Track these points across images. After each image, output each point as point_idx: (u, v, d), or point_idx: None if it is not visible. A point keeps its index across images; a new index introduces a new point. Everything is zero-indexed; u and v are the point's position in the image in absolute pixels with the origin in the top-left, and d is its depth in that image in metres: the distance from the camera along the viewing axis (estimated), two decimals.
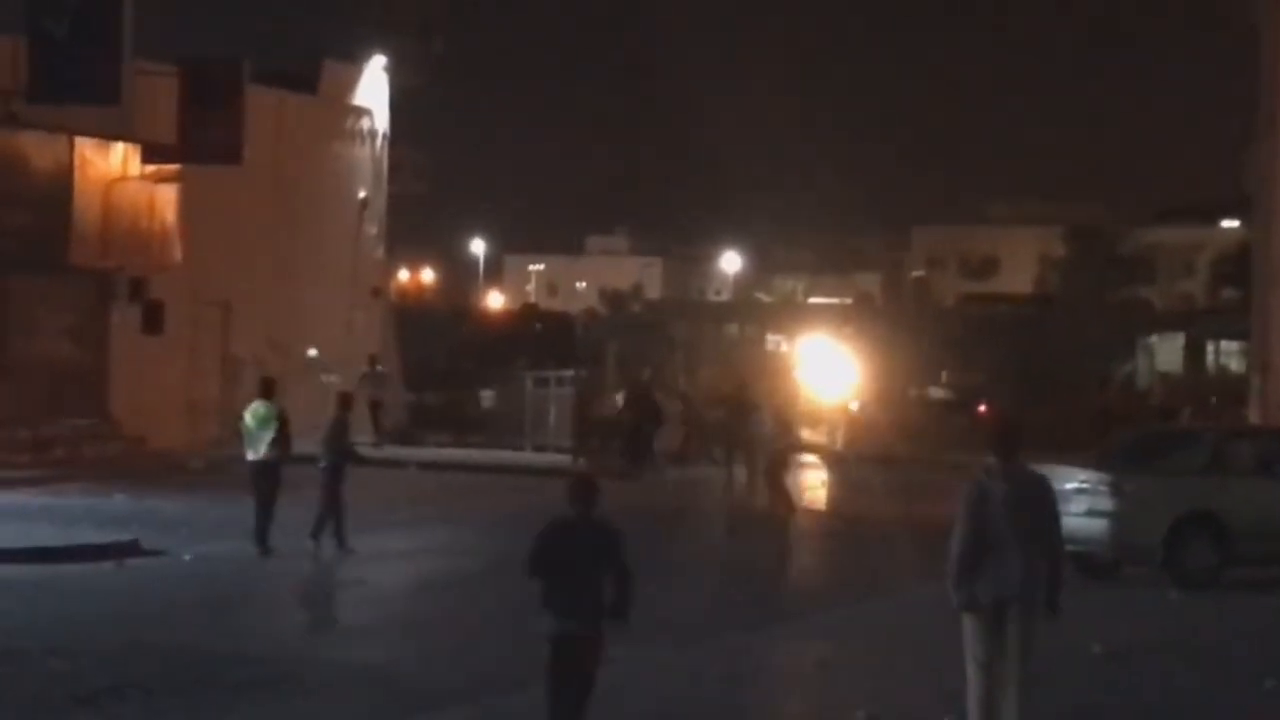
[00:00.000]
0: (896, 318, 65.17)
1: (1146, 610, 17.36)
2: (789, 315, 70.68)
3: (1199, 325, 59.91)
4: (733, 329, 71.03)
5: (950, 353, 50.96)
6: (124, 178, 31.35)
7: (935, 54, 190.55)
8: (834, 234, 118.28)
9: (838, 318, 62.87)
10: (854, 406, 42.97)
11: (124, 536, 19.78)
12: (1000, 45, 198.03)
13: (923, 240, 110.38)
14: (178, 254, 32.32)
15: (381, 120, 39.87)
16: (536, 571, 9.82)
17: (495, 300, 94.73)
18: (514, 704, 12.01)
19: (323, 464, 20.20)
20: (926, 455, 36.67)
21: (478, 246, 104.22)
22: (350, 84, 39.02)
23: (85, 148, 30.51)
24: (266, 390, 20.56)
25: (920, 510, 24.56)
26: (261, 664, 13.35)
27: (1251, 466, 19.75)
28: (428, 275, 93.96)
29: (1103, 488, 18.97)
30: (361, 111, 39.21)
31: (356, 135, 39.15)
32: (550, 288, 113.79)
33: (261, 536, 19.72)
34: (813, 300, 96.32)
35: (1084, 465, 19.62)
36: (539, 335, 48.32)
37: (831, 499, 31.69)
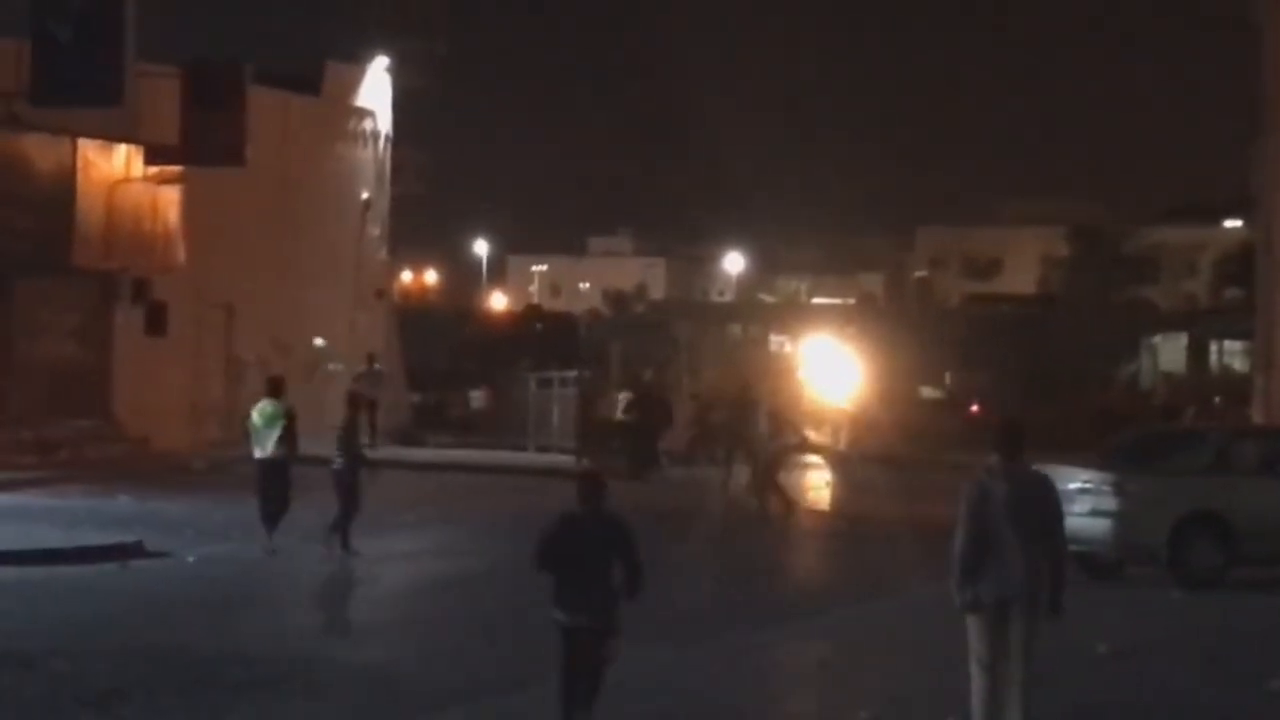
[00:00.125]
0: (900, 318, 65.15)
1: (1150, 610, 17.35)
2: (792, 316, 70.66)
3: (1202, 325, 59.86)
4: (736, 330, 71.03)
5: (953, 353, 50.91)
6: (127, 179, 31.38)
7: (938, 54, 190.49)
8: (837, 234, 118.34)
9: (841, 318, 62.86)
10: (847, 406, 42.94)
11: (127, 538, 19.79)
12: (1003, 45, 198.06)
13: (926, 240, 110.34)
14: (181, 255, 32.35)
15: (384, 121, 39.90)
16: (545, 565, 9.93)
17: (498, 301, 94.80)
18: (515, 705, 12.02)
19: (335, 465, 20.21)
20: (928, 455, 36.66)
21: (481, 247, 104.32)
22: (353, 85, 39.04)
23: (88, 149, 30.54)
24: (274, 389, 20.62)
25: (923, 510, 24.55)
26: (264, 664, 13.37)
27: (1255, 466, 19.73)
28: (431, 276, 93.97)
29: (1106, 487, 18.96)
30: (364, 113, 39.23)
31: (359, 136, 39.17)
32: (553, 288, 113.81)
33: (267, 524, 19.73)
34: (816, 301, 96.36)
35: (1087, 465, 19.61)
36: (542, 336, 48.36)
37: (834, 499, 31.69)
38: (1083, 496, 18.74)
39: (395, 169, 41.31)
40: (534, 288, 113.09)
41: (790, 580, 20.69)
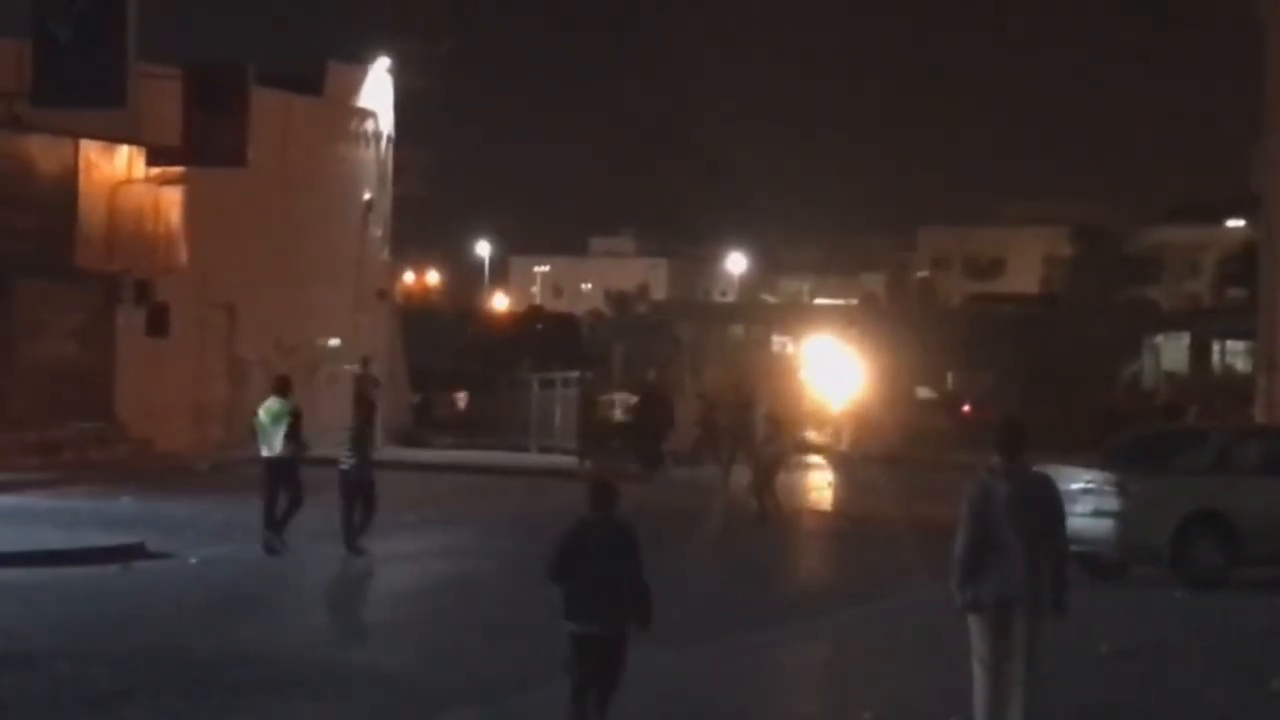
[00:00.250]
0: (902, 318, 65.15)
1: (1153, 610, 17.34)
2: (795, 316, 70.71)
3: (1204, 325, 59.88)
4: (738, 330, 71.08)
5: (956, 353, 50.94)
6: (129, 180, 31.39)
7: (940, 54, 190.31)
8: (838, 234, 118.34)
9: (843, 318, 62.89)
10: (849, 406, 42.93)
11: (130, 539, 19.79)
12: (1005, 44, 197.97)
13: (928, 240, 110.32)
14: (183, 256, 32.36)
15: (386, 122, 39.89)
16: (558, 574, 9.91)
17: (500, 302, 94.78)
18: (517, 706, 12.02)
19: (343, 466, 20.20)
20: (930, 455, 36.66)
21: (483, 248, 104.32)
22: (355, 86, 39.03)
23: (90, 151, 30.55)
24: (281, 387, 20.65)
25: (924, 510, 24.54)
26: (267, 665, 13.37)
27: (1258, 466, 19.72)
28: (433, 277, 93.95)
29: (1109, 488, 18.96)
30: (366, 113, 39.23)
31: (361, 137, 39.17)
32: (555, 289, 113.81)
33: (272, 521, 19.73)
34: (818, 301, 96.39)
35: (1090, 465, 19.60)
36: (544, 336, 48.35)
37: (837, 499, 31.68)
38: (1085, 497, 18.73)
39: (397, 170, 41.30)
40: (536, 288, 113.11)
41: (792, 581, 20.68)
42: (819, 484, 33.74)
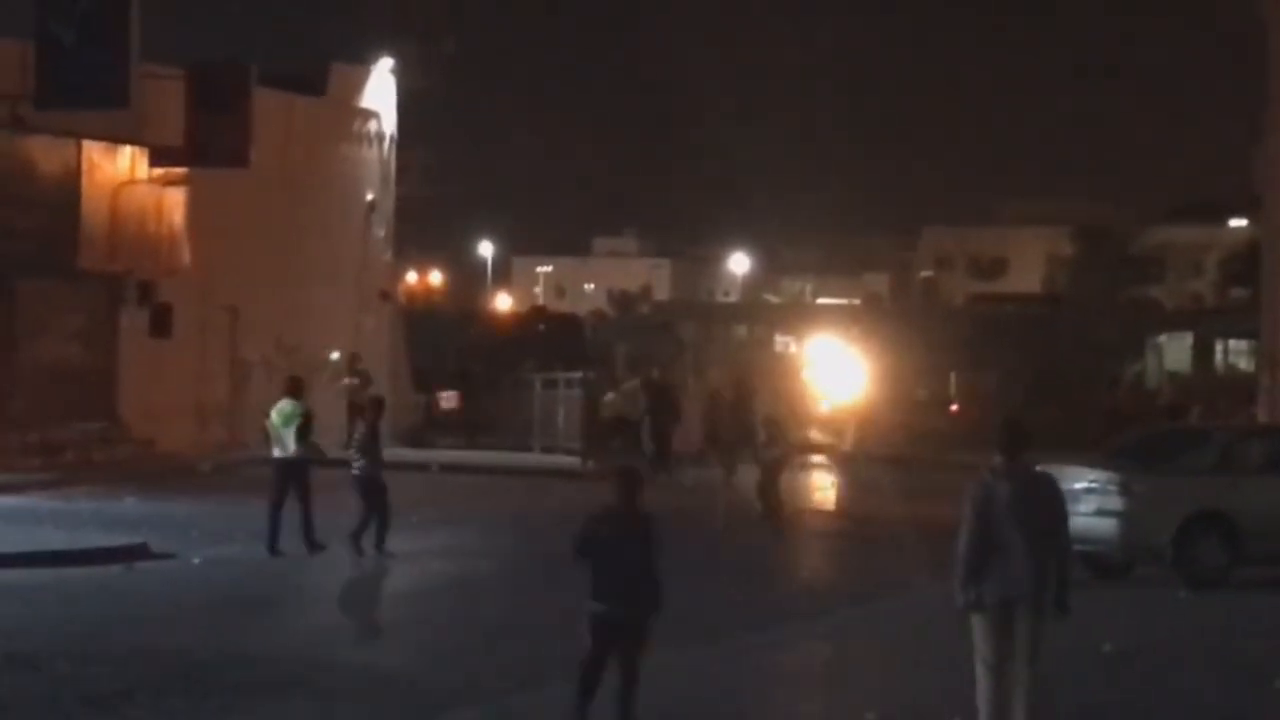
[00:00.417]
0: (905, 318, 65.12)
1: (1156, 610, 17.34)
2: (797, 316, 70.67)
3: (1208, 324, 59.84)
4: (741, 330, 71.04)
5: (959, 353, 50.88)
6: (132, 181, 31.38)
7: (941, 53, 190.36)
8: (839, 234, 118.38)
9: (846, 318, 62.85)
10: (851, 406, 42.89)
11: (133, 539, 19.79)
12: (1006, 44, 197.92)
13: (931, 240, 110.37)
14: (186, 257, 32.36)
15: (389, 122, 39.88)
16: (583, 555, 10.28)
17: (503, 302, 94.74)
18: (519, 706, 12.03)
19: (355, 470, 20.18)
20: (932, 455, 36.64)
21: (486, 248, 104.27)
22: (358, 86, 39.02)
23: (93, 152, 30.54)
24: (293, 389, 20.70)
25: (927, 510, 24.52)
26: (269, 666, 13.37)
27: (1261, 465, 19.71)
28: (436, 278, 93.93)
29: (1112, 487, 18.95)
30: (369, 114, 39.22)
31: (364, 138, 39.16)
32: (558, 290, 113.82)
33: (277, 524, 19.77)
34: (821, 301, 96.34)
35: (1093, 465, 19.60)
36: (547, 337, 48.30)
37: (839, 499, 31.67)
38: (1089, 496, 18.73)
39: (400, 170, 41.29)
40: (539, 289, 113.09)
41: (795, 581, 20.67)
42: (822, 484, 33.72)
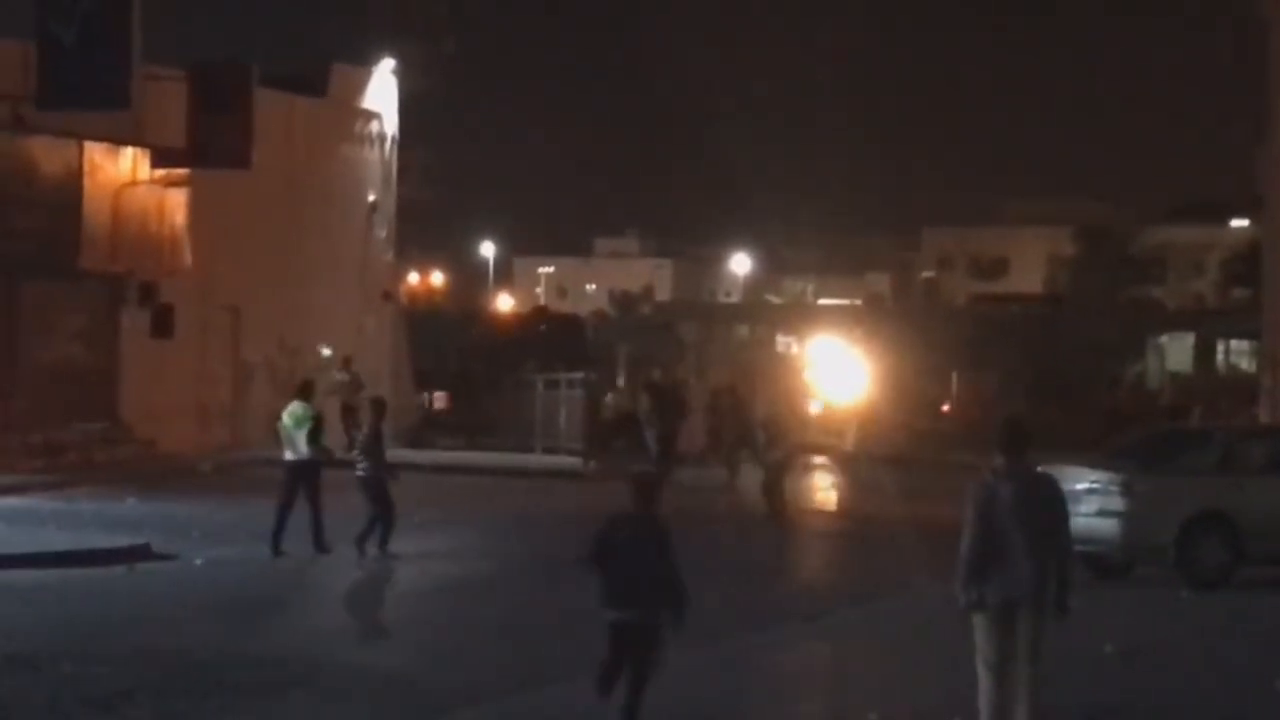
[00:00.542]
0: (907, 318, 65.11)
1: (1158, 610, 17.34)
2: (799, 317, 70.66)
3: (1209, 325, 59.85)
4: (743, 330, 71.04)
5: (960, 353, 50.86)
6: (133, 182, 31.40)
7: (943, 53, 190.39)
8: (843, 235, 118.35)
9: (848, 319, 62.84)
10: (853, 407, 42.86)
11: (135, 540, 19.80)
12: (1007, 44, 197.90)
13: (932, 241, 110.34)
14: (187, 258, 32.38)
15: (390, 123, 39.90)
16: (596, 564, 10.30)
17: (505, 303, 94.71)
18: (517, 705, 12.03)
19: (360, 472, 20.18)
20: (934, 455, 36.64)
21: (487, 249, 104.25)
22: (359, 87, 39.04)
23: (95, 152, 30.56)
24: (304, 391, 20.72)
25: (928, 510, 24.53)
26: (272, 667, 13.38)
27: (1263, 466, 19.71)
28: (437, 278, 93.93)
29: (1114, 488, 18.94)
30: (370, 114, 39.24)
31: (365, 138, 39.18)
32: (560, 290, 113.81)
33: (282, 527, 19.78)
34: (822, 301, 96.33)
35: (1095, 465, 19.60)
36: (549, 337, 48.29)
37: (841, 499, 31.66)
38: (1090, 496, 18.73)
39: (401, 171, 41.32)
40: (540, 289, 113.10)
41: (796, 581, 20.66)
42: (823, 485, 33.71)
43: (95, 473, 28.51)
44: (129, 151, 31.21)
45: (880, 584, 18.96)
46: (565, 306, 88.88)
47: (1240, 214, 76.19)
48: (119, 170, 31.22)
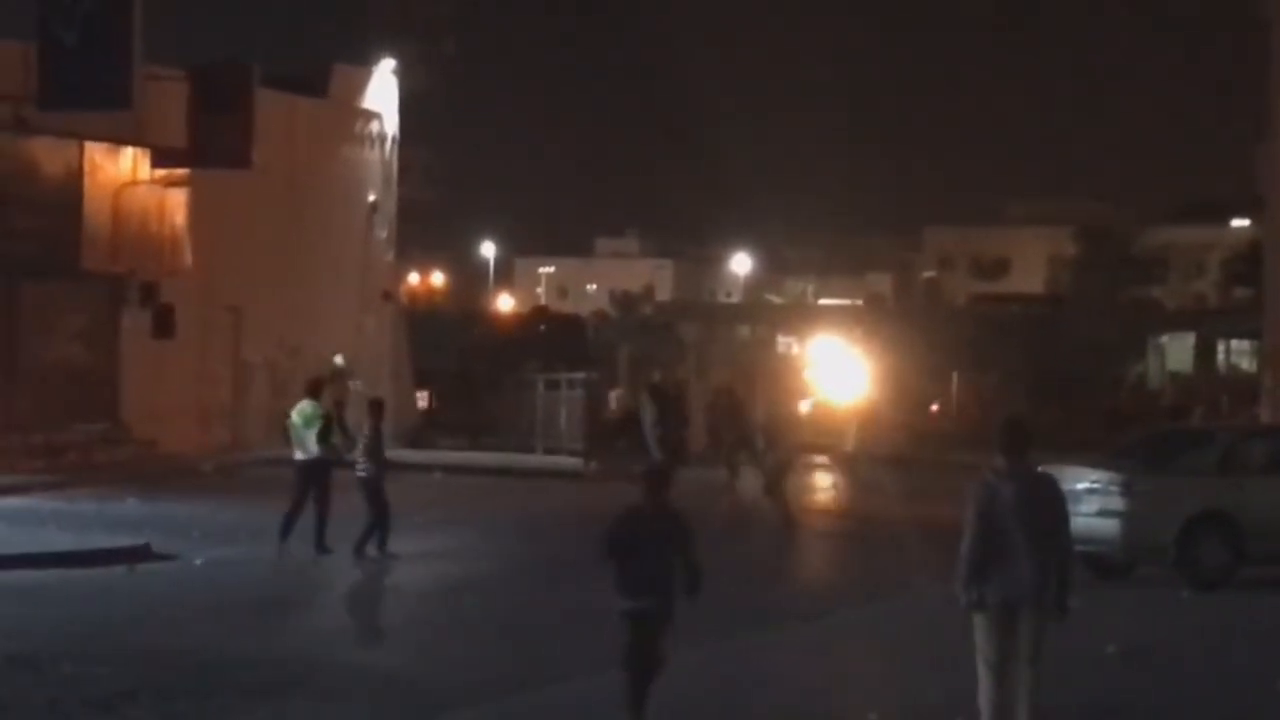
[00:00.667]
0: (908, 318, 65.10)
1: (1159, 610, 17.33)
2: (800, 317, 70.65)
3: (1210, 325, 59.82)
4: (744, 331, 71.01)
5: (961, 353, 50.84)
6: (134, 182, 31.41)
7: (944, 53, 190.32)
8: (844, 235, 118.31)
9: (849, 319, 62.83)
10: (854, 406, 42.82)
11: (136, 541, 19.81)
12: (1010, 44, 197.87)
13: (934, 241, 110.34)
14: (188, 258, 32.39)
15: (391, 123, 39.91)
16: (610, 555, 10.44)
17: (506, 303, 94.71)
18: (517, 705, 12.03)
19: (361, 472, 20.16)
20: (935, 456, 36.63)
21: (488, 249, 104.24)
22: (360, 87, 39.05)
23: (95, 153, 30.57)
24: (314, 390, 20.71)
25: (929, 511, 24.52)
26: (272, 667, 13.38)
27: (1264, 465, 19.70)
28: (438, 278, 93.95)
29: (1114, 488, 18.93)
30: (371, 115, 39.25)
31: (366, 139, 39.18)
32: (560, 290, 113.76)
33: (290, 526, 19.77)
34: (823, 301, 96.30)
35: (1096, 465, 19.59)
36: (549, 337, 48.29)
37: (841, 500, 31.66)
38: (1091, 497, 18.72)
39: (402, 171, 41.32)
40: (541, 289, 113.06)
41: (796, 581, 20.66)
42: (823, 484, 33.70)
43: (96, 473, 28.51)
44: (130, 152, 31.21)
45: (880, 584, 18.95)
46: (566, 307, 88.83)
47: (1241, 214, 76.20)
48: (120, 170, 31.23)
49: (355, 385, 33.40)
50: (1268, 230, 39.81)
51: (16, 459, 27.99)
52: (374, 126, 39.34)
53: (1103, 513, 18.72)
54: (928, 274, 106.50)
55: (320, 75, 38.03)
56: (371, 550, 19.87)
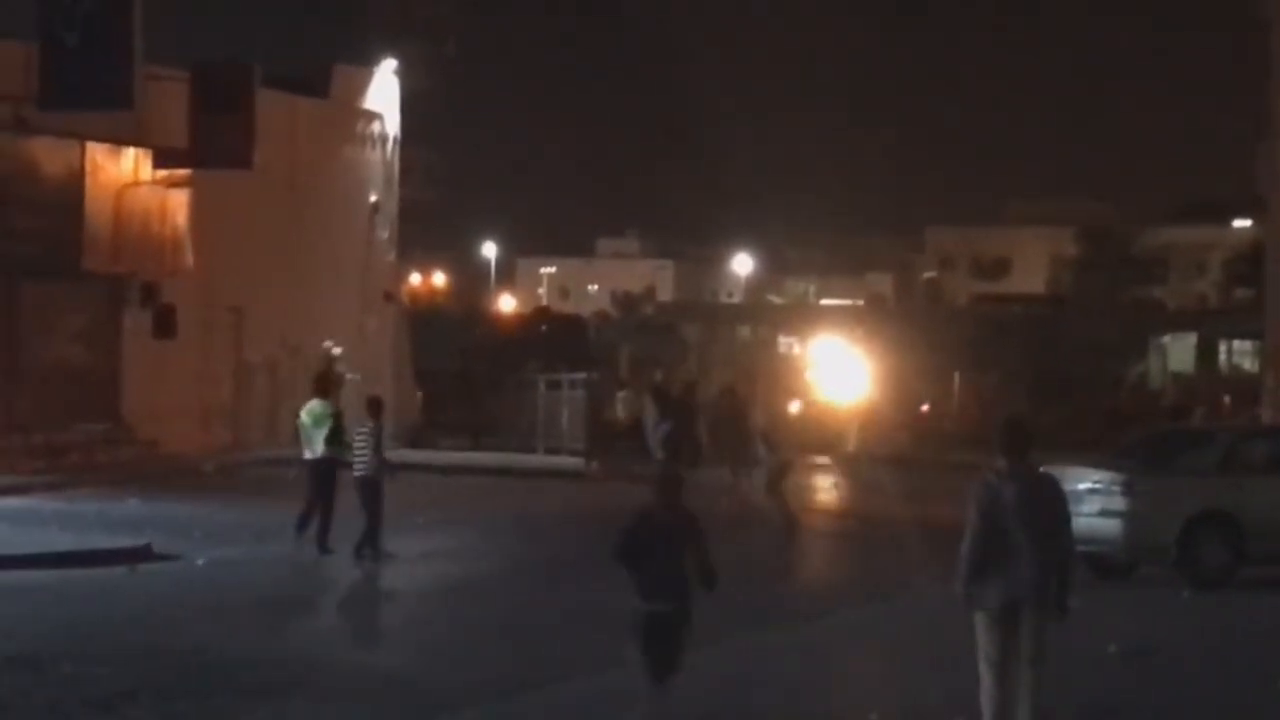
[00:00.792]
0: (909, 319, 65.11)
1: (1160, 610, 17.34)
2: (801, 317, 70.66)
3: (1211, 325, 59.84)
4: (745, 331, 71.00)
5: (962, 353, 50.84)
6: (135, 183, 31.42)
7: (945, 53, 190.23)
8: (845, 235, 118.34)
9: (850, 319, 62.82)
10: (855, 407, 42.81)
11: (137, 541, 19.81)
12: (1011, 44, 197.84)
13: (935, 241, 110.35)
14: (189, 258, 32.40)
15: (392, 124, 39.92)
16: (624, 557, 10.45)
17: (507, 303, 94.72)
18: (517, 705, 12.03)
19: (358, 472, 20.15)
20: (935, 456, 36.62)
21: (489, 249, 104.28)
22: (361, 88, 39.07)
23: (97, 153, 30.59)
24: (322, 389, 20.68)
25: (929, 511, 24.52)
26: (273, 668, 13.38)
27: (1265, 465, 19.71)
28: (439, 279, 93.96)
29: (1116, 488, 18.94)
30: (373, 115, 39.26)
31: (367, 139, 39.20)
32: (562, 290, 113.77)
33: (303, 527, 19.76)
34: (824, 302, 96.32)
35: (1097, 465, 19.60)
36: (551, 338, 48.28)
37: (842, 500, 31.66)
38: (1092, 497, 18.72)
39: (403, 171, 41.33)
40: (542, 290, 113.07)
41: (796, 581, 20.67)
42: (824, 485, 33.70)
43: (97, 473, 28.52)
44: (131, 152, 31.22)
45: (880, 584, 18.95)
46: (567, 307, 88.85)
47: (1242, 214, 76.22)
48: (121, 171, 31.24)
49: (350, 376, 33.39)
50: (1269, 230, 39.83)
51: (18, 459, 28.00)
52: (375, 127, 39.36)
53: (1104, 513, 18.73)
54: (928, 274, 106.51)
55: (321, 75, 38.04)
56: (370, 550, 19.85)
